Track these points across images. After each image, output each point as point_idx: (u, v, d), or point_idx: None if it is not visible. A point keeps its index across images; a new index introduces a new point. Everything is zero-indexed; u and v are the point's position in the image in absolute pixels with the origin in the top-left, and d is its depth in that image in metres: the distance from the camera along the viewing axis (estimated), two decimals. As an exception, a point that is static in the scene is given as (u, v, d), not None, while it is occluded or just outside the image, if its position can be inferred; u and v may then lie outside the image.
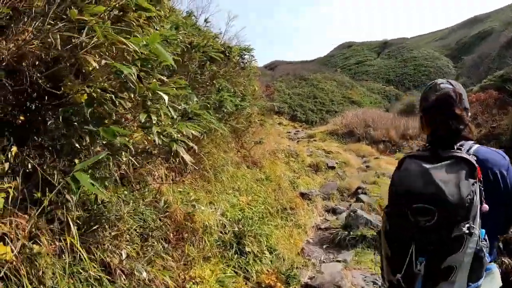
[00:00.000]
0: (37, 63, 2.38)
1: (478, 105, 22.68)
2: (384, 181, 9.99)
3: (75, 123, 2.28)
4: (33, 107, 2.55)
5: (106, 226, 3.11)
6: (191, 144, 2.63)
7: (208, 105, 4.78)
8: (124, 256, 3.03)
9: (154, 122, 2.49)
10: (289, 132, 20.82)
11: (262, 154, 8.51)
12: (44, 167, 2.73)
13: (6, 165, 2.40)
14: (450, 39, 52.30)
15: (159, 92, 2.62)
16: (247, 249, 4.05)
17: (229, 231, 4.30)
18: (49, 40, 2.13)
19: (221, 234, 4.13)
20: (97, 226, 2.98)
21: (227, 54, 7.00)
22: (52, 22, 2.17)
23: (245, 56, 9.03)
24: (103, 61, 2.09)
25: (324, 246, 5.76)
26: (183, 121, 3.46)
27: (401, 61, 45.67)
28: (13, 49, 2.18)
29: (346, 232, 5.75)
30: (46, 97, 2.56)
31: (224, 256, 3.80)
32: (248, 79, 8.59)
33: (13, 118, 2.50)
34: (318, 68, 43.13)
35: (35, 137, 2.66)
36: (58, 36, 2.07)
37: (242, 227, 4.45)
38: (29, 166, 2.66)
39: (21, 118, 2.50)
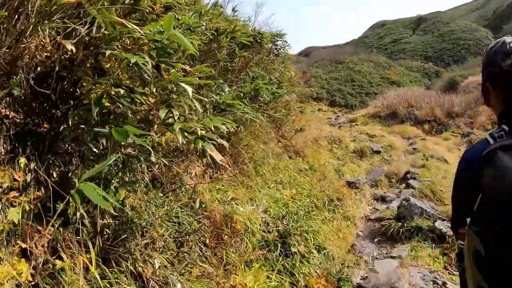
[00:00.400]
0: (57, 68, 2.14)
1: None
2: (434, 164, 9.34)
3: (84, 126, 1.99)
4: (58, 113, 2.32)
5: (137, 234, 2.86)
6: (220, 141, 2.28)
7: (242, 95, 4.41)
8: (157, 265, 2.76)
9: (176, 117, 2.16)
10: (330, 118, 20.09)
11: (304, 142, 8.10)
12: (70, 175, 2.51)
13: (28, 177, 2.20)
14: (486, 9, 49.90)
15: (181, 84, 2.30)
16: (293, 249, 3.68)
17: (272, 229, 3.96)
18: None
19: (264, 234, 3.79)
20: (126, 234, 2.72)
21: (259, 40, 6.61)
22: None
23: (277, 43, 8.61)
24: (108, 52, 1.76)
25: (376, 240, 5.32)
26: (215, 114, 3.13)
27: (438, 36, 43.77)
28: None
29: (400, 223, 5.27)
30: (71, 101, 2.34)
31: (268, 259, 3.46)
32: (283, 65, 8.16)
33: (37, 126, 2.32)
34: (353, 50, 41.99)
35: (61, 144, 2.45)
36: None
37: (287, 224, 4.10)
38: (54, 174, 2.46)
39: (45, 125, 2.29)
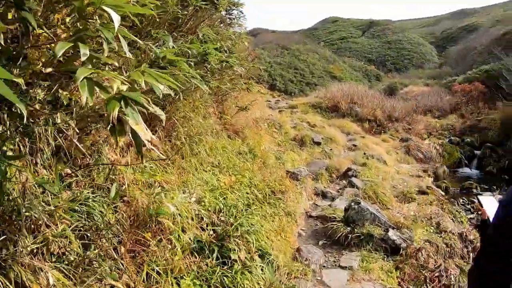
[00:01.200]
0: None
1: (462, 96, 22.10)
2: (374, 164, 9.07)
3: None
4: None
5: (25, 231, 1.93)
6: (153, 108, 1.41)
7: (189, 54, 3.51)
8: (51, 281, 1.86)
9: (84, 58, 1.26)
10: (269, 101, 19.50)
11: (246, 123, 7.33)
12: None
13: None
14: (436, 28, 53.21)
15: (105, 8, 1.41)
16: (232, 256, 2.90)
17: (207, 226, 3.16)
18: None
19: (197, 232, 2.98)
20: (9, 231, 1.82)
21: (215, 2, 5.69)
22: None
23: (232, 12, 7.72)
24: None
25: (321, 243, 4.73)
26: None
27: (385, 42, 45.96)
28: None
29: (349, 228, 4.69)
30: None
31: (202, 268, 2.66)
32: (237, 35, 7.28)
33: None
34: (301, 39, 42.03)
35: None
36: None
37: (225, 222, 3.31)
38: None
39: None
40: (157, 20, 3.48)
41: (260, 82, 29.19)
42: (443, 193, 8.37)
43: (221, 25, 7.35)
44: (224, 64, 5.28)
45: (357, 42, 47.08)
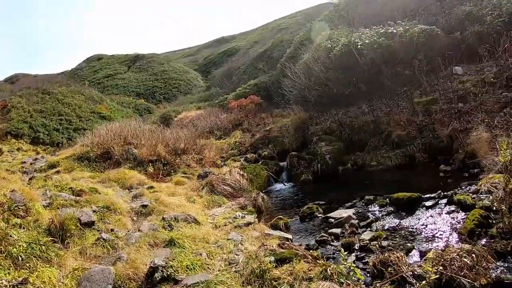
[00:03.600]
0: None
1: (240, 111, 21.07)
2: (184, 233, 5.70)
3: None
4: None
5: None
6: None
7: None
8: None
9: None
10: (24, 163, 14.39)
11: None
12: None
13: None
14: (198, 55, 55.94)
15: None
16: None
17: None
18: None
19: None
20: None
21: None
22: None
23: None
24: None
25: None
26: None
27: (151, 74, 45.53)
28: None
29: None
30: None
31: None
32: None
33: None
34: (65, 81, 36.46)
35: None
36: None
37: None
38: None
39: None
40: None
41: (20, 137, 22.98)
42: (303, 248, 5.38)
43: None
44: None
45: (123, 78, 44.97)
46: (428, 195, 7.34)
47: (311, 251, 5.23)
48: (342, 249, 4.73)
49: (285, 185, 11.57)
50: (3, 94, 29.22)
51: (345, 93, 14.18)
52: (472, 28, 13.33)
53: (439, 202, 6.97)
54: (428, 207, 6.91)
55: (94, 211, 6.63)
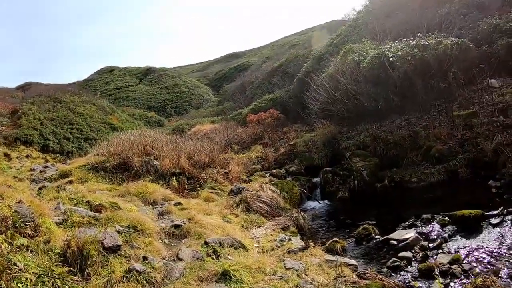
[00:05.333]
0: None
1: (257, 125, 19.82)
2: (237, 263, 4.42)
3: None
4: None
5: None
6: None
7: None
8: None
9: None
10: (33, 170, 12.72)
11: None
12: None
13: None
14: (208, 70, 55.58)
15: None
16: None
17: None
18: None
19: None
20: None
21: None
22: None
23: None
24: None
25: None
26: None
27: (163, 88, 44.76)
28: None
29: None
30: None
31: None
32: None
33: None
34: (77, 91, 35.68)
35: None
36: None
37: None
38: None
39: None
40: None
41: (30, 144, 22.10)
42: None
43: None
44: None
45: (135, 90, 44.25)
46: (490, 212, 6.64)
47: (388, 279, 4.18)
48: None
49: (320, 202, 10.33)
50: (14, 101, 28.46)
51: (377, 107, 13.09)
52: (501, 41, 12.62)
53: (505, 219, 6.38)
54: (494, 225, 6.29)
55: (118, 232, 5.39)
